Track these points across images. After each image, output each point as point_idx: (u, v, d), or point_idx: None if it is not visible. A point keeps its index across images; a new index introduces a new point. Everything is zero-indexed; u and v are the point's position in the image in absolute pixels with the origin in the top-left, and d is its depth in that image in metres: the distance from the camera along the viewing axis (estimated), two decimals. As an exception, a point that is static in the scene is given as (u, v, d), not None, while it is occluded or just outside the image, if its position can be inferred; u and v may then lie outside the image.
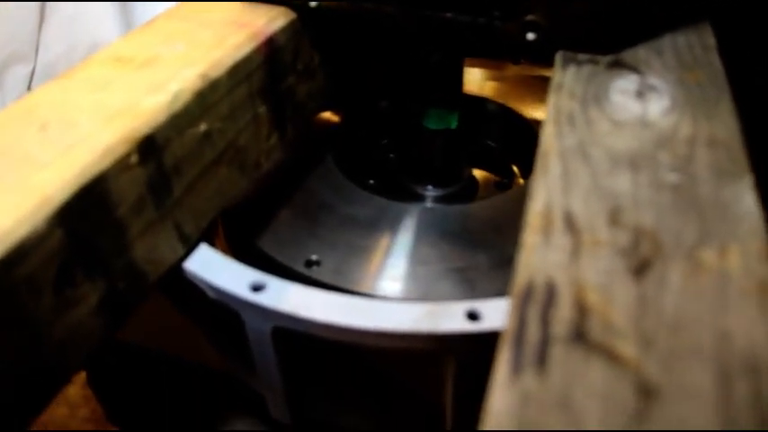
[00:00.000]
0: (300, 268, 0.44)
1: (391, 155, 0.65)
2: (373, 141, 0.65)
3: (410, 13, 0.40)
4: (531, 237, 0.25)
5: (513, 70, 0.68)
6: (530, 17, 0.37)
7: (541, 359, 0.20)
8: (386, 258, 0.45)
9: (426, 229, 0.47)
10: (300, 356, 0.38)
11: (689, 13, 0.41)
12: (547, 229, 0.25)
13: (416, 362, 0.37)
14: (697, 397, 0.19)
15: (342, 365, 0.39)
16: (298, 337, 0.36)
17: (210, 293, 0.37)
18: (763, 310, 0.22)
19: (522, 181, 0.61)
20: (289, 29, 0.43)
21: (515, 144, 0.63)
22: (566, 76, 0.35)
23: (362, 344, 0.35)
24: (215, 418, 0.50)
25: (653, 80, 0.35)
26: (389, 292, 0.42)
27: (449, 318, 0.33)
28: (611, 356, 0.20)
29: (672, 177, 0.28)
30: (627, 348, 0.20)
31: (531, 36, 0.37)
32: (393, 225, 0.47)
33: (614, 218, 0.26)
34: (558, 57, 0.37)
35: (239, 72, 0.39)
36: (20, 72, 0.88)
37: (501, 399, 0.19)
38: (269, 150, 0.44)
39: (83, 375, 0.55)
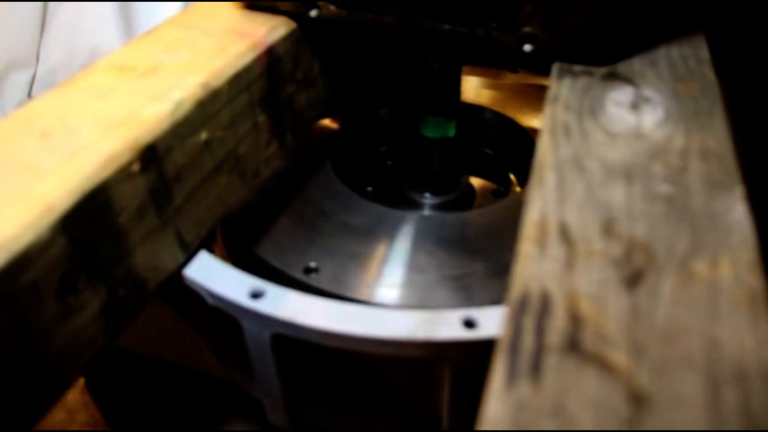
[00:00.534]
0: (299, 275, 0.44)
1: (389, 162, 0.65)
2: (371, 149, 0.65)
3: (409, 23, 0.41)
4: (526, 247, 0.25)
5: (510, 78, 0.69)
6: (527, 29, 0.37)
7: (536, 368, 0.21)
8: (383, 266, 0.45)
9: (423, 237, 0.47)
10: (299, 363, 0.39)
11: (683, 26, 0.41)
12: (542, 240, 0.26)
13: (413, 369, 0.37)
14: (687, 404, 0.19)
15: (340, 372, 0.39)
16: (296, 344, 0.36)
17: (210, 300, 0.37)
18: (753, 319, 0.22)
19: (518, 189, 0.61)
20: (289, 38, 0.44)
21: (512, 152, 0.63)
22: (561, 88, 0.36)
23: (360, 351, 0.35)
24: (213, 423, 0.50)
25: (647, 92, 0.35)
26: (387, 300, 0.43)
27: (445, 325, 0.34)
28: (603, 365, 0.21)
29: (665, 189, 0.28)
30: (619, 357, 0.21)
31: (527, 47, 0.38)
32: (390, 233, 0.48)
33: (608, 229, 0.26)
34: (554, 68, 0.38)
35: (240, 81, 0.39)
36: (20, 78, 0.88)
37: (496, 406, 0.20)
38: (268, 158, 0.44)
39: (81, 381, 0.56)
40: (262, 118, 0.42)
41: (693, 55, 0.39)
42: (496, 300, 0.41)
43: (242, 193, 0.42)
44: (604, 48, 0.38)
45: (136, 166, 0.32)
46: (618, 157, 0.30)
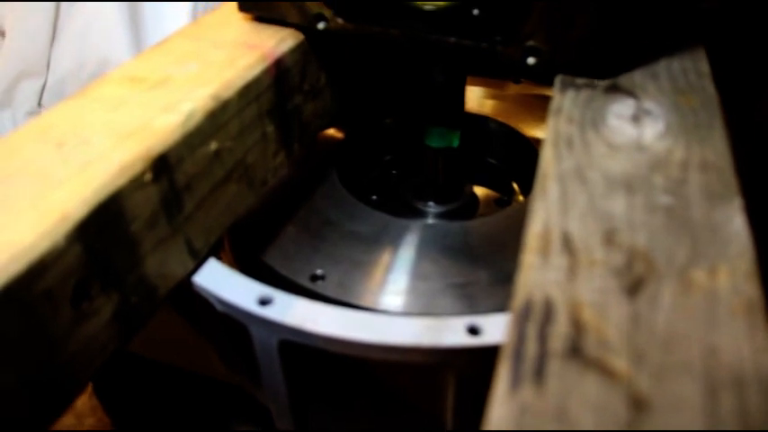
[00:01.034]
0: (305, 282, 0.45)
1: (393, 171, 0.66)
2: (376, 158, 0.66)
3: (415, 37, 0.41)
4: (529, 257, 0.26)
5: (513, 89, 0.70)
6: (530, 43, 0.38)
7: (539, 373, 0.21)
8: (388, 274, 0.46)
9: (427, 245, 0.48)
10: (306, 369, 0.39)
11: (684, 40, 0.42)
12: (545, 250, 0.26)
13: (418, 375, 0.38)
14: (686, 409, 0.20)
15: (346, 378, 0.40)
16: (303, 350, 0.37)
17: (219, 306, 0.38)
18: (750, 328, 0.23)
19: (521, 198, 0.62)
20: (297, 50, 0.44)
21: (515, 162, 0.64)
22: (564, 101, 0.37)
23: (366, 357, 0.36)
24: (220, 428, 0.51)
25: (648, 104, 0.36)
26: (392, 307, 0.43)
27: (450, 332, 0.34)
28: (604, 370, 0.21)
29: (665, 200, 0.29)
30: (620, 363, 0.22)
31: (531, 60, 0.39)
32: (395, 241, 0.48)
33: (609, 238, 0.27)
34: (557, 81, 0.39)
35: (249, 92, 0.40)
36: (31, 87, 0.89)
37: (500, 410, 0.20)
38: (276, 168, 0.45)
39: (89, 385, 0.56)
40: (270, 128, 0.43)
41: (694, 68, 0.40)
42: (500, 308, 0.41)
43: (250, 201, 0.43)
44: (606, 61, 0.39)
45: (148, 176, 0.33)
46: (619, 168, 0.31)
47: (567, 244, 0.27)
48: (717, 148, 0.32)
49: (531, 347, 0.22)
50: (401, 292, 0.44)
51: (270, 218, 0.51)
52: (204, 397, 0.51)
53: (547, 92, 0.67)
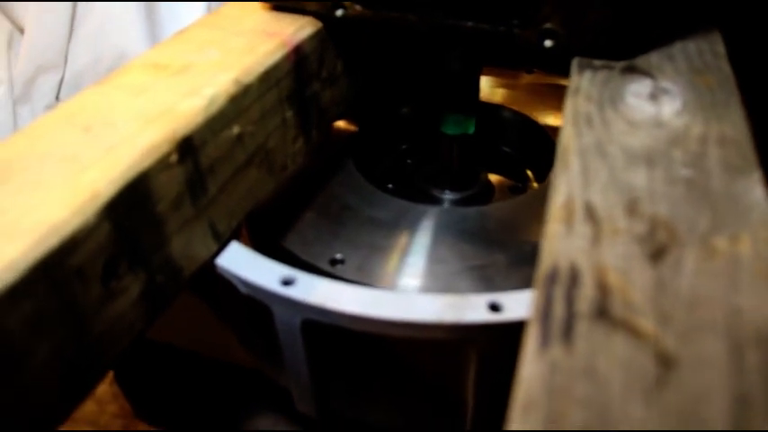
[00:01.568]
0: (325, 266, 0.46)
1: (409, 160, 0.66)
2: (392, 146, 0.67)
3: (432, 22, 0.42)
4: (554, 226, 0.27)
5: (525, 79, 0.70)
6: (547, 25, 0.39)
7: (567, 333, 0.22)
8: (407, 257, 0.46)
9: (445, 230, 0.48)
10: (328, 349, 0.40)
11: (699, 22, 0.43)
12: (569, 219, 0.27)
13: (439, 354, 0.38)
14: (712, 365, 0.20)
15: (367, 358, 0.40)
16: (326, 330, 0.37)
17: (242, 288, 0.39)
18: (773, 290, 0.23)
19: (535, 185, 0.62)
20: (315, 37, 0.45)
21: (529, 149, 0.64)
22: (582, 81, 0.37)
23: (388, 335, 0.36)
24: (241, 413, 0.51)
25: (665, 84, 0.37)
26: (410, 289, 0.44)
27: (471, 309, 0.35)
28: (631, 330, 0.22)
29: (685, 172, 0.29)
30: (646, 323, 0.22)
31: (548, 43, 0.39)
32: (413, 226, 0.49)
33: (632, 209, 0.27)
34: (575, 62, 0.39)
35: (270, 78, 0.41)
36: (49, 81, 0.90)
37: (531, 368, 0.21)
38: (295, 153, 0.45)
39: (110, 373, 0.57)
40: (289, 114, 0.44)
41: (710, 49, 0.40)
42: (518, 288, 0.42)
43: (270, 186, 0.43)
44: (623, 43, 0.39)
45: (174, 157, 0.34)
46: (639, 143, 0.31)
47: (591, 214, 0.27)
48: (735, 124, 0.33)
49: (559, 309, 0.23)
50: (420, 274, 0.45)
51: (288, 204, 0.51)
52: (224, 383, 0.52)
53: (559, 81, 0.68)
